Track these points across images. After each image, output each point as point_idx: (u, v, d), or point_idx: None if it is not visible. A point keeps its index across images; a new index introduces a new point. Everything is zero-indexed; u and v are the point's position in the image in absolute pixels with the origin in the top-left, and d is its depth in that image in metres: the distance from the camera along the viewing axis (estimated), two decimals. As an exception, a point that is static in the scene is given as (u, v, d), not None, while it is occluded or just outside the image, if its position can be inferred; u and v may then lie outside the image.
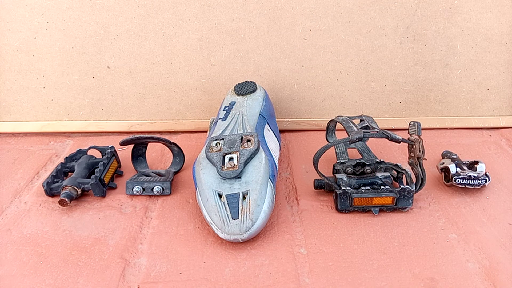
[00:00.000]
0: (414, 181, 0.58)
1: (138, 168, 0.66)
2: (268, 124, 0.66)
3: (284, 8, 0.73)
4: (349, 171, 0.60)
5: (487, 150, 0.72)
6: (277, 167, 0.61)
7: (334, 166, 0.61)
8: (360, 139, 0.56)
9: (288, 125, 0.80)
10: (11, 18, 0.73)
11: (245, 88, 0.70)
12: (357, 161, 0.60)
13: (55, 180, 0.62)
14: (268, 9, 0.73)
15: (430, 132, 0.79)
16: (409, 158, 0.58)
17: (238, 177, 0.54)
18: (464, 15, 0.73)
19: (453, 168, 0.61)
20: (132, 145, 0.67)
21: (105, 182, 0.61)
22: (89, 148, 0.68)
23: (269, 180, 0.55)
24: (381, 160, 0.61)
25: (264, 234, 0.54)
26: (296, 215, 0.57)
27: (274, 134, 0.67)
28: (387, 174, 0.60)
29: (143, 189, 0.61)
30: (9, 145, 0.76)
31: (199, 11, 0.73)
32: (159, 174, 0.65)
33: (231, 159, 0.56)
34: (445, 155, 0.66)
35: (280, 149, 0.68)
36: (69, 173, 0.65)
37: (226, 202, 0.52)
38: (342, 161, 0.61)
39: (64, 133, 0.79)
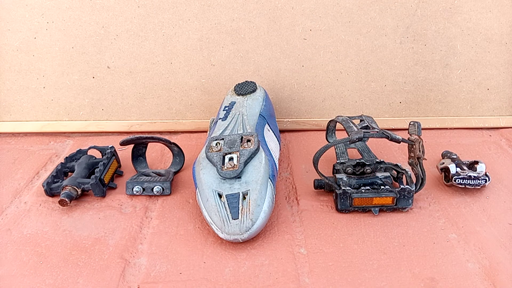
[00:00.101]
0: (414, 181, 0.58)
1: (138, 168, 0.66)
2: (268, 124, 0.66)
3: (284, 8, 0.73)
4: (349, 171, 0.60)
5: (487, 150, 0.72)
6: (277, 167, 0.61)
7: (334, 166, 0.61)
8: (360, 139, 0.56)
9: (288, 125, 0.80)
10: (11, 18, 0.73)
11: (245, 88, 0.70)
12: (357, 161, 0.60)
13: (55, 180, 0.62)
14: (268, 9, 0.73)
15: (430, 132, 0.79)
16: (409, 158, 0.58)
17: (238, 177, 0.54)
18: (464, 15, 0.73)
19: (453, 168, 0.61)
20: (132, 145, 0.67)
21: (105, 182, 0.61)
22: (89, 148, 0.68)
23: (269, 180, 0.55)
24: (381, 160, 0.60)
25: (264, 234, 0.54)
26: (296, 215, 0.57)
27: (274, 134, 0.67)
28: (387, 174, 0.60)
29: (143, 189, 0.61)
30: (9, 145, 0.76)
31: (199, 11, 0.73)
32: (159, 174, 0.65)
33: (231, 159, 0.56)
34: (445, 155, 0.66)
35: (280, 149, 0.68)
36: (69, 173, 0.65)
37: (226, 202, 0.52)
38: (342, 161, 0.61)
39: (64, 133, 0.79)
